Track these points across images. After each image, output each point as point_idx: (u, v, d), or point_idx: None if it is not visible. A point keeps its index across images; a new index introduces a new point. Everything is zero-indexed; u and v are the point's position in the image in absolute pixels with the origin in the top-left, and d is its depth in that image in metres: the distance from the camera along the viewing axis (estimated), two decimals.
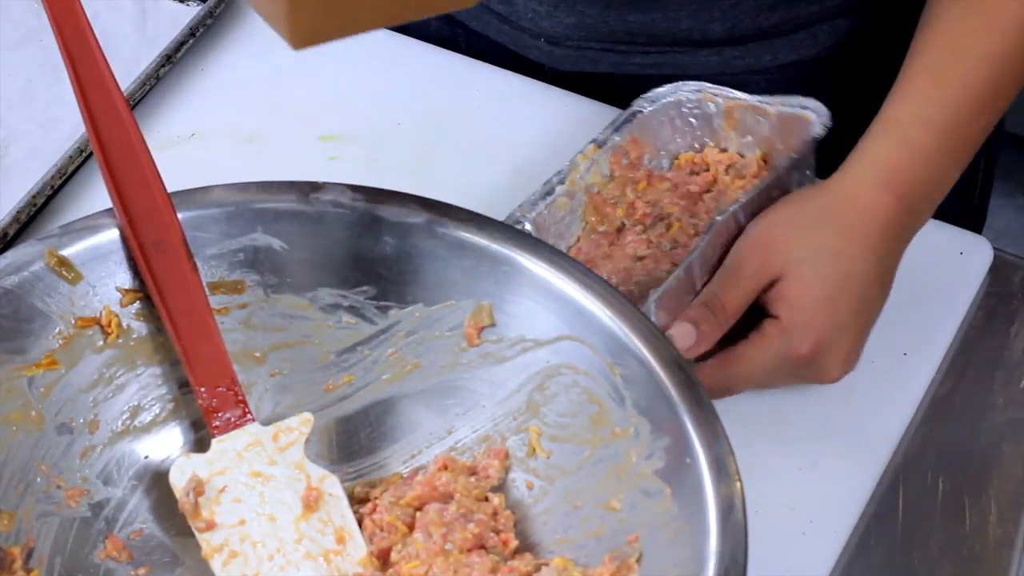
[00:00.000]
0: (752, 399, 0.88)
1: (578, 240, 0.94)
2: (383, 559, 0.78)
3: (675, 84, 0.95)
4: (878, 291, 0.87)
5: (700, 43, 1.06)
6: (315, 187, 0.82)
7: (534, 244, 0.81)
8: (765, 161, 0.95)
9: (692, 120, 0.96)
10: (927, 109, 0.88)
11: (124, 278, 0.81)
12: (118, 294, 0.81)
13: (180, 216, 0.80)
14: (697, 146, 0.97)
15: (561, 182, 0.93)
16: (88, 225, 0.81)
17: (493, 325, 0.82)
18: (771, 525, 0.83)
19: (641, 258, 0.92)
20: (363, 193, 0.82)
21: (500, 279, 0.81)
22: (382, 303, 0.83)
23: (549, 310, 0.80)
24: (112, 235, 0.81)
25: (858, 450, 0.88)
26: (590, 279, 0.79)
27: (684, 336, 0.84)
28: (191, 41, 1.07)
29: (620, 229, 0.94)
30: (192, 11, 1.09)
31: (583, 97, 1.06)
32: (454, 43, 1.12)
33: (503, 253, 0.81)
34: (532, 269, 0.80)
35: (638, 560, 0.74)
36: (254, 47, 1.11)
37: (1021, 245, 1.24)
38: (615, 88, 1.07)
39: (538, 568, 0.76)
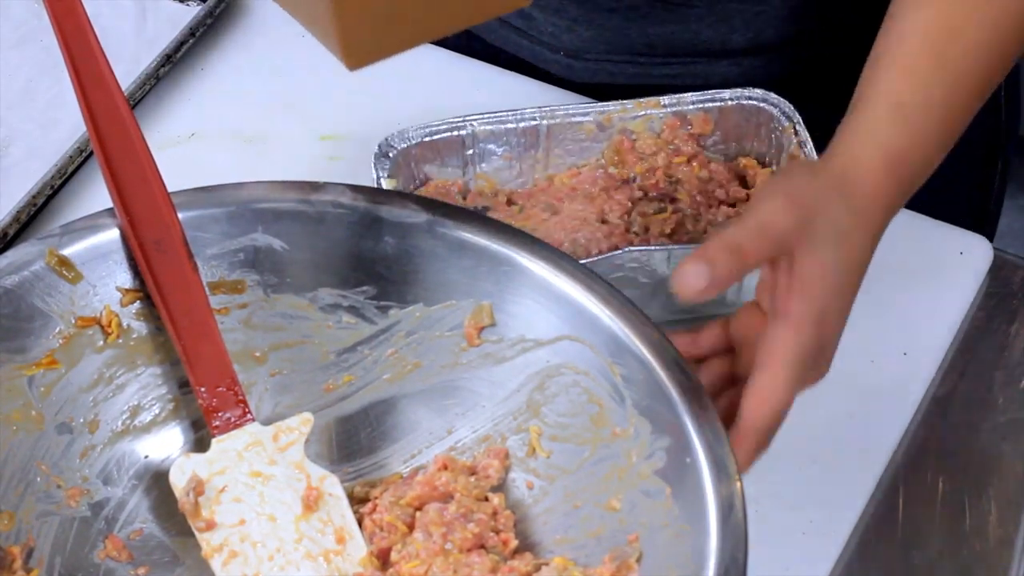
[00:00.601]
0: None
1: (583, 166, 0.93)
2: (383, 559, 0.78)
3: (775, 96, 0.94)
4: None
5: (721, 53, 1.05)
6: (315, 187, 0.82)
7: (534, 244, 0.81)
8: None
9: (772, 137, 0.95)
10: (930, 95, 0.84)
11: (124, 278, 0.81)
12: (118, 294, 0.81)
13: (180, 216, 0.80)
14: (767, 160, 0.96)
15: (601, 112, 0.92)
16: (88, 225, 0.81)
17: (493, 325, 0.82)
18: (771, 525, 0.83)
19: (605, 221, 0.91)
20: (363, 193, 0.82)
21: (500, 279, 0.81)
22: (382, 303, 0.83)
23: (549, 310, 0.80)
24: (112, 235, 0.81)
25: (858, 450, 0.88)
26: (590, 279, 0.79)
27: (696, 275, 0.73)
28: (191, 41, 1.07)
29: (627, 181, 0.93)
30: (192, 11, 1.09)
31: (582, 97, 1.06)
32: (472, 56, 1.11)
33: (503, 253, 0.80)
34: (532, 269, 0.80)
35: (638, 560, 0.74)
36: (254, 47, 1.11)
37: (1021, 245, 1.24)
38: (631, 99, 1.06)
39: (538, 568, 0.76)
